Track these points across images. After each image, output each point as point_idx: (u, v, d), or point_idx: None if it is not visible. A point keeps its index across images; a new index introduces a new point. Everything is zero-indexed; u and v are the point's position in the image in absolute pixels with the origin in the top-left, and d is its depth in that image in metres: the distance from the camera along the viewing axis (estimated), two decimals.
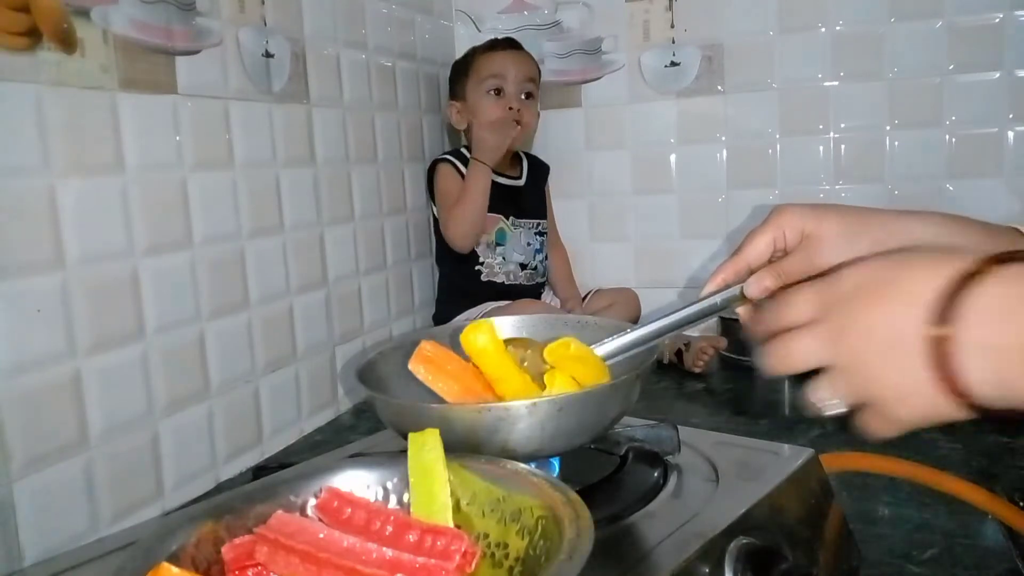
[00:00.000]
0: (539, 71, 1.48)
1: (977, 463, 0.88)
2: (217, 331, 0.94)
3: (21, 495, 0.70)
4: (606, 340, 0.68)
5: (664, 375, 1.29)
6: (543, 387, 0.66)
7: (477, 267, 1.44)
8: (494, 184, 1.40)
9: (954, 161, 1.40)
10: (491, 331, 0.65)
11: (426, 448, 0.52)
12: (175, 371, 0.88)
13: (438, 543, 0.46)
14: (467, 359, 0.67)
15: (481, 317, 1.21)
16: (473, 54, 1.44)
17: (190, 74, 0.90)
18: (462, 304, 1.42)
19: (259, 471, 0.87)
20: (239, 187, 0.99)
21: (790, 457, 0.78)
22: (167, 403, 0.87)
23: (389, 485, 0.54)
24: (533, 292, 1.47)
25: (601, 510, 0.58)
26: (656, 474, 0.71)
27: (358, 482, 0.54)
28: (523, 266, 1.46)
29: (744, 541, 0.56)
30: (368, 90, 1.28)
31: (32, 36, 0.71)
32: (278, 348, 1.06)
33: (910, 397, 0.39)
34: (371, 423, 1.12)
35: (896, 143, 1.43)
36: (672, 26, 1.51)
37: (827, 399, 0.44)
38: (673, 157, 1.55)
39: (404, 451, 0.53)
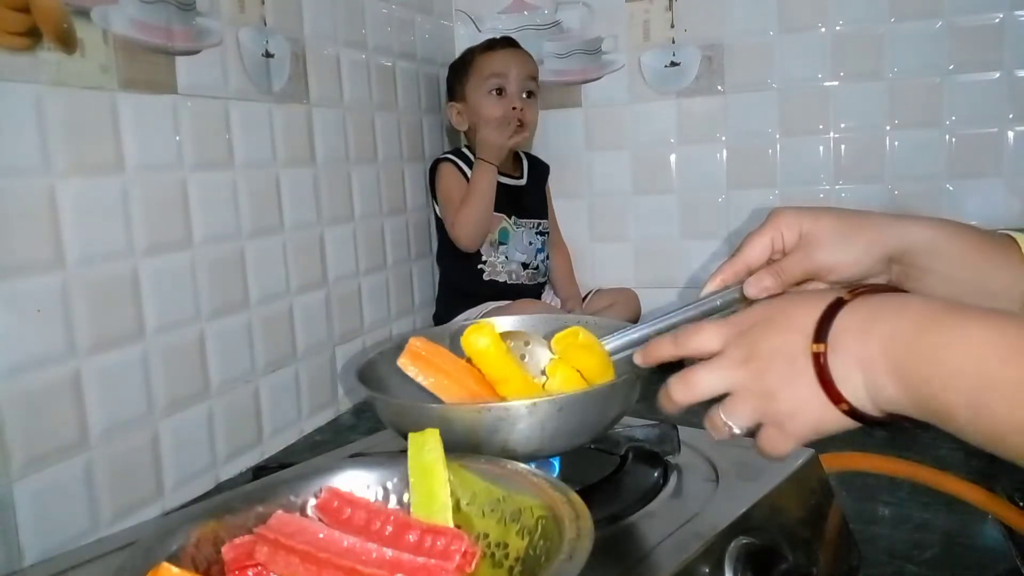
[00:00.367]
0: (537, 70, 1.48)
1: (977, 463, 0.88)
2: (217, 331, 0.94)
3: (21, 495, 0.70)
4: (607, 338, 0.68)
5: (664, 375, 1.29)
6: (544, 379, 0.66)
7: (480, 266, 1.44)
8: (496, 184, 1.40)
9: (954, 161, 1.40)
10: (492, 333, 0.65)
11: (426, 448, 0.52)
12: (175, 371, 0.88)
13: (438, 543, 0.46)
14: (462, 356, 0.67)
15: (481, 317, 1.21)
16: (472, 54, 1.43)
17: (190, 74, 0.90)
18: (462, 304, 1.42)
19: (259, 471, 0.87)
20: (239, 187, 0.99)
21: (790, 457, 0.78)
22: (167, 403, 0.87)
23: (389, 485, 0.54)
24: (534, 292, 1.47)
25: (601, 510, 0.58)
26: (656, 474, 0.71)
27: (358, 482, 0.54)
28: (525, 265, 1.46)
29: (744, 541, 0.56)
30: (368, 90, 1.28)
31: (32, 36, 0.71)
32: (278, 348, 1.06)
33: (804, 410, 0.45)
34: (371, 423, 1.12)
35: (896, 143, 1.43)
36: (672, 26, 1.51)
37: (730, 421, 0.50)
38: (673, 157, 1.55)
39: (404, 451, 0.53)
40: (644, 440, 0.75)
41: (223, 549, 0.47)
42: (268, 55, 1.04)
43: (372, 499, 0.53)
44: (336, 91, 1.20)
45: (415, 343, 0.67)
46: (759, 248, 0.60)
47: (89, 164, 0.78)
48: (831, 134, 1.46)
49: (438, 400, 0.66)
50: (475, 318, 1.27)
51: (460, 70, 1.45)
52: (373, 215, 1.29)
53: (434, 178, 1.44)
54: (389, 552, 0.46)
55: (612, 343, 0.68)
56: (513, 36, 1.53)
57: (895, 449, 0.90)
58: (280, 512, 0.49)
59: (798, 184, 1.48)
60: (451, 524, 0.49)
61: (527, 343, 0.71)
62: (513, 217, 1.46)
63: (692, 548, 0.53)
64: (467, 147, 1.47)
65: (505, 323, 0.82)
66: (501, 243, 1.45)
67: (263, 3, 1.03)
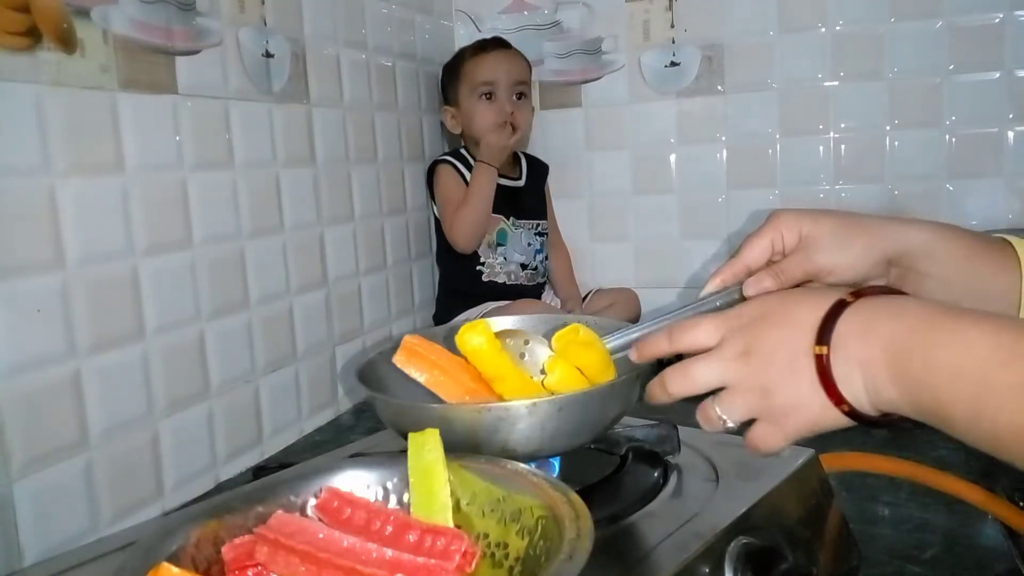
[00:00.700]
0: (530, 68, 1.47)
1: (977, 463, 0.88)
2: (217, 331, 0.94)
3: (21, 495, 0.70)
4: (607, 337, 0.68)
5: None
6: (543, 377, 0.66)
7: (479, 267, 1.44)
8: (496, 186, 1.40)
9: (954, 161, 1.40)
10: (486, 331, 0.65)
11: (426, 448, 0.52)
12: (175, 371, 0.88)
13: (438, 543, 0.46)
14: (458, 354, 0.67)
15: (481, 317, 1.21)
16: (462, 58, 1.43)
17: (190, 74, 0.90)
18: (462, 304, 1.42)
19: (259, 471, 0.87)
20: (239, 187, 0.99)
21: (790, 457, 0.78)
22: (167, 403, 0.87)
23: (389, 485, 0.54)
24: (534, 292, 1.47)
25: (601, 510, 0.58)
26: (656, 474, 0.71)
27: (358, 482, 0.54)
28: (524, 266, 1.46)
29: (744, 541, 0.56)
30: (368, 90, 1.28)
31: (32, 36, 0.71)
32: (278, 348, 1.06)
33: (802, 408, 0.46)
34: (371, 423, 1.12)
35: (896, 143, 1.43)
36: (672, 26, 1.51)
37: (724, 415, 0.50)
38: (673, 157, 1.55)
39: (404, 451, 0.53)
40: (644, 440, 0.75)
41: (223, 549, 0.47)
42: (268, 55, 1.04)
43: (372, 499, 0.53)
44: (336, 91, 1.20)
45: (410, 340, 0.67)
46: (759, 249, 0.60)
47: (89, 164, 0.78)
48: (831, 134, 1.46)
49: (438, 401, 0.66)
50: (475, 318, 1.27)
51: (451, 75, 1.45)
52: (373, 215, 1.29)
53: (432, 179, 1.44)
54: (389, 552, 0.45)
55: (613, 343, 0.68)
56: (513, 36, 1.54)
57: (895, 449, 0.90)
58: (280, 512, 0.49)
59: (798, 184, 1.48)
60: (451, 524, 0.49)
61: (527, 342, 0.71)
62: (511, 218, 1.46)
63: (692, 548, 0.53)
64: (465, 148, 1.47)
65: (505, 322, 0.82)
66: (499, 244, 1.45)
67: (263, 3, 1.03)
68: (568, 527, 0.43)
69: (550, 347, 0.68)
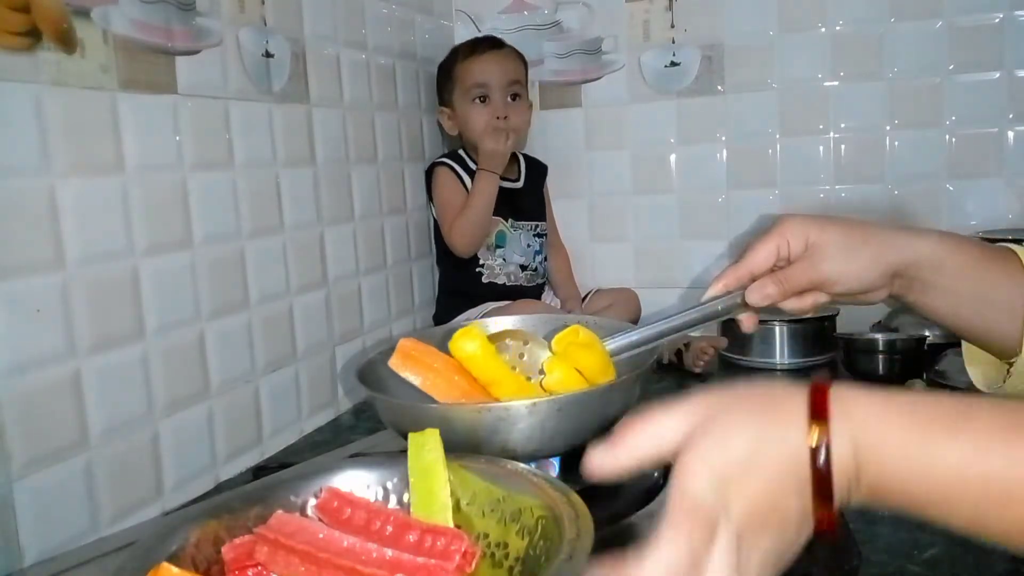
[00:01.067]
0: (525, 67, 1.47)
1: None
2: (217, 331, 0.94)
3: (21, 495, 0.70)
4: (609, 338, 0.68)
5: (664, 375, 1.29)
6: (541, 378, 0.66)
7: (478, 269, 1.44)
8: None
9: (954, 161, 1.40)
10: (479, 336, 0.66)
11: (426, 448, 0.52)
12: (175, 371, 0.88)
13: (438, 543, 0.46)
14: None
15: (481, 317, 1.21)
16: (455, 59, 1.43)
17: (190, 74, 0.90)
18: (462, 304, 1.42)
19: (259, 471, 0.88)
20: (239, 187, 0.99)
21: None
22: (167, 403, 0.87)
23: (389, 485, 0.54)
24: (534, 293, 1.47)
25: (601, 510, 0.58)
26: (656, 474, 0.71)
27: (358, 482, 0.54)
28: (523, 267, 1.46)
29: None
30: (368, 90, 1.28)
31: (32, 36, 0.71)
32: (278, 348, 1.06)
33: (785, 520, 0.38)
34: (371, 423, 1.12)
35: (896, 143, 1.43)
36: (672, 26, 1.51)
37: None
38: (673, 157, 1.55)
39: (404, 451, 0.53)
40: None
41: (223, 549, 0.47)
42: (268, 55, 1.04)
43: (372, 499, 0.53)
44: (336, 91, 1.20)
45: (406, 343, 0.67)
46: (764, 255, 0.60)
47: (89, 164, 0.78)
48: (831, 134, 1.46)
49: (436, 400, 0.66)
50: (475, 318, 1.27)
51: (445, 76, 1.45)
52: (373, 215, 1.29)
53: (430, 181, 1.44)
54: (389, 552, 0.45)
55: (612, 344, 0.68)
56: (513, 36, 1.54)
57: None
58: (280, 512, 0.49)
59: (798, 184, 1.48)
60: (451, 524, 0.49)
61: (526, 342, 0.71)
62: (510, 220, 1.46)
63: None
64: (464, 149, 1.47)
65: (505, 323, 0.82)
66: (498, 246, 1.45)
67: (263, 3, 1.03)
68: (568, 527, 0.43)
69: (549, 348, 0.68)
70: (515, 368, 0.69)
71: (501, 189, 1.42)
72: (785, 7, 1.44)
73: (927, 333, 1.21)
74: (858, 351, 1.21)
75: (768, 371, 1.29)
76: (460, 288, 1.45)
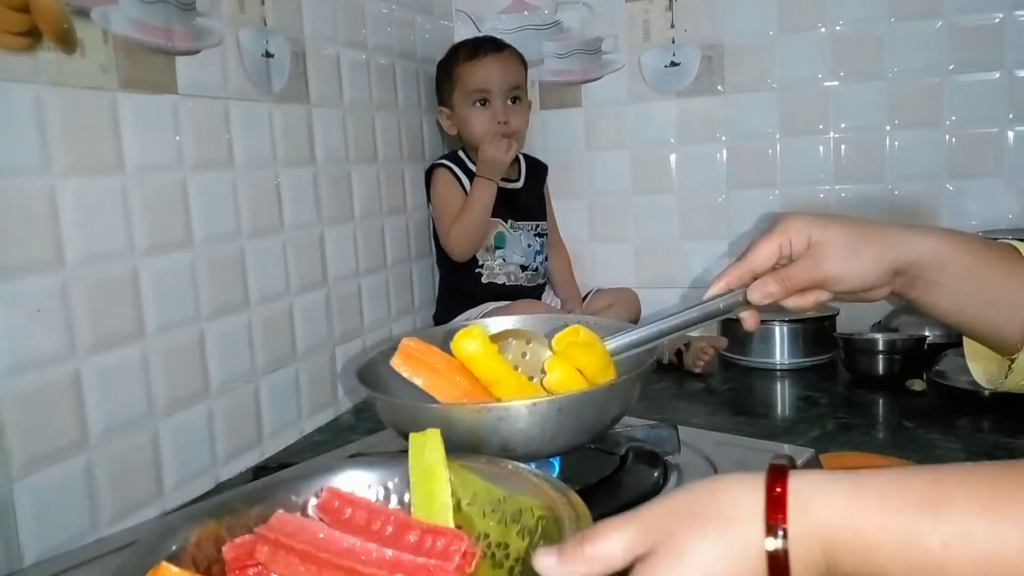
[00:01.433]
0: (525, 69, 1.47)
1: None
2: (217, 331, 0.94)
3: (21, 495, 0.70)
4: (610, 338, 0.68)
5: (664, 375, 1.29)
6: (543, 377, 0.66)
7: (477, 269, 1.44)
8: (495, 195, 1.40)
9: (954, 161, 1.40)
10: (481, 336, 0.66)
11: (427, 448, 0.52)
12: (175, 371, 0.88)
13: (438, 543, 0.46)
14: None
15: (481, 317, 1.21)
16: (456, 61, 1.42)
17: (190, 74, 0.90)
18: (462, 304, 1.42)
19: (259, 471, 0.88)
20: (239, 187, 0.99)
21: (792, 457, 0.78)
22: (167, 403, 0.87)
23: (390, 485, 0.54)
24: (534, 293, 1.47)
25: (601, 510, 0.58)
26: (656, 474, 0.71)
27: (359, 482, 0.54)
28: (523, 267, 1.46)
29: None
30: (368, 90, 1.28)
31: (32, 36, 0.71)
32: (278, 348, 1.06)
33: None
34: (371, 423, 1.12)
35: (896, 143, 1.43)
36: (672, 26, 1.51)
37: None
38: (673, 157, 1.55)
39: (405, 451, 0.53)
40: (644, 440, 0.75)
41: (224, 549, 0.47)
42: (268, 55, 1.04)
43: (373, 499, 0.53)
44: (336, 91, 1.20)
45: (407, 343, 0.67)
46: (766, 253, 0.60)
47: (89, 164, 0.78)
48: (831, 134, 1.46)
49: (438, 401, 0.66)
50: (475, 318, 1.27)
51: (445, 76, 1.44)
52: (373, 215, 1.29)
53: (430, 182, 1.44)
54: (389, 552, 0.45)
55: (613, 343, 0.68)
56: (513, 36, 1.54)
57: (894, 449, 0.90)
58: (281, 512, 0.49)
59: (798, 184, 1.48)
60: (452, 524, 0.49)
61: (528, 341, 0.71)
62: (510, 221, 1.46)
63: None
64: (463, 150, 1.47)
65: (506, 323, 0.82)
66: (497, 247, 1.45)
67: (263, 3, 1.03)
68: (568, 527, 0.43)
69: (551, 348, 0.68)
70: (517, 368, 0.69)
71: (501, 189, 1.42)
72: (785, 7, 1.44)
73: (927, 333, 1.21)
74: (858, 351, 1.21)
75: (768, 371, 1.29)
76: (460, 288, 1.45)
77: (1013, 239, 0.60)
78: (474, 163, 1.43)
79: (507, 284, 1.45)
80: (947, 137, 1.40)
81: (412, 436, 0.53)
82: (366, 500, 0.52)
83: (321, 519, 0.51)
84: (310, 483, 0.53)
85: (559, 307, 1.48)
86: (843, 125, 1.45)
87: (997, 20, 1.35)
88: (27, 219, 0.72)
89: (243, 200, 0.99)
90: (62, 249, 0.75)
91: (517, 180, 1.50)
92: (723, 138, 1.51)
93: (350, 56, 1.23)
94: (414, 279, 1.44)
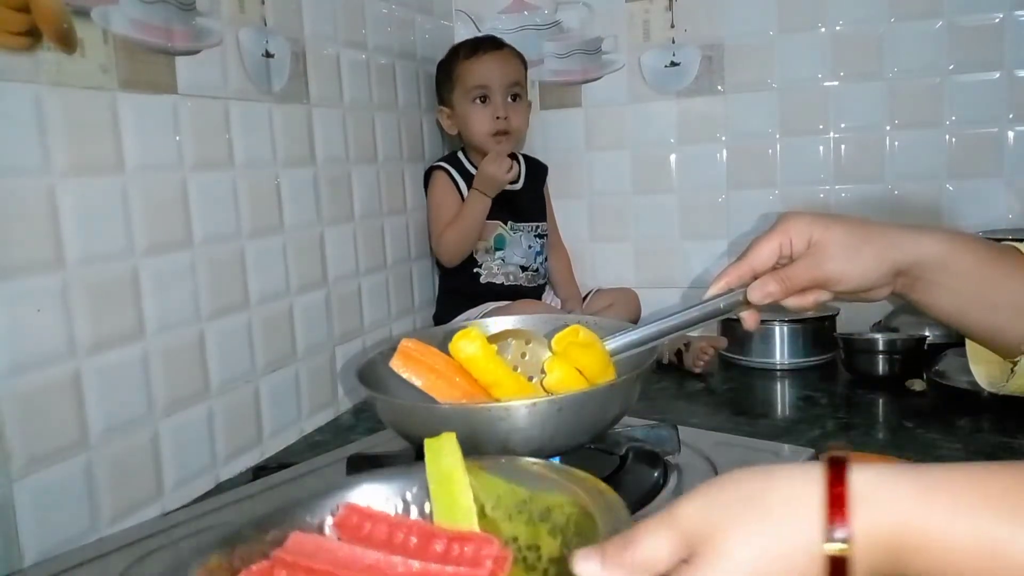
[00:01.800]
0: (525, 67, 1.47)
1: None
2: (217, 331, 0.94)
3: (21, 495, 0.70)
4: (610, 337, 0.68)
5: (664, 375, 1.29)
6: (542, 377, 0.66)
7: (476, 270, 1.44)
8: (488, 211, 1.40)
9: (954, 161, 1.40)
10: (479, 338, 0.65)
11: (443, 453, 0.49)
12: (175, 371, 0.88)
13: (467, 550, 0.43)
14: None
15: (481, 317, 1.21)
16: (456, 59, 1.42)
17: (190, 74, 0.90)
18: (462, 304, 1.42)
19: (259, 471, 0.88)
20: (239, 187, 0.99)
21: (790, 457, 0.78)
22: (167, 403, 0.87)
23: (408, 496, 0.51)
24: (534, 293, 1.47)
25: None
26: (656, 474, 0.71)
27: (376, 496, 0.51)
28: (524, 268, 1.46)
29: None
30: (368, 90, 1.28)
31: (32, 36, 0.71)
32: (278, 348, 1.06)
33: None
34: (371, 423, 1.12)
35: (896, 143, 1.43)
36: (672, 26, 1.51)
37: None
38: (673, 157, 1.55)
39: (420, 459, 0.50)
40: (644, 440, 0.75)
41: None
42: (268, 55, 1.04)
43: (392, 512, 0.50)
44: (336, 91, 1.20)
45: (407, 344, 0.67)
46: (767, 252, 0.60)
47: (89, 164, 0.78)
48: (831, 134, 1.46)
49: (437, 401, 0.66)
50: (475, 318, 1.27)
51: (445, 75, 1.44)
52: (373, 215, 1.29)
53: (427, 184, 1.44)
54: (416, 564, 0.43)
55: (613, 343, 0.68)
56: (513, 36, 1.54)
57: (895, 449, 0.90)
58: (297, 533, 0.46)
59: (798, 184, 1.48)
60: (477, 529, 0.46)
61: (528, 342, 0.71)
62: (509, 222, 1.46)
63: None
64: (463, 150, 1.47)
65: (505, 323, 0.82)
66: (497, 249, 1.45)
67: (263, 3, 1.03)
68: (603, 520, 0.41)
69: (550, 348, 0.68)
70: (517, 368, 0.69)
71: (501, 191, 1.42)
72: (785, 7, 1.44)
73: (927, 333, 1.21)
74: (858, 351, 1.21)
75: (768, 371, 1.29)
76: (459, 288, 1.45)
77: (1015, 240, 0.60)
78: (473, 164, 1.43)
79: (506, 284, 1.45)
80: (947, 137, 1.40)
81: (427, 442, 0.50)
82: (385, 514, 0.49)
83: (340, 538, 0.48)
84: (324, 501, 0.50)
85: (559, 307, 1.48)
86: (843, 125, 1.45)
87: (997, 20, 1.35)
88: (27, 219, 0.72)
89: (243, 200, 0.99)
90: (62, 249, 0.75)
91: (517, 181, 1.50)
92: (723, 138, 1.51)
93: (350, 56, 1.23)
94: (414, 279, 1.44)
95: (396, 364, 0.67)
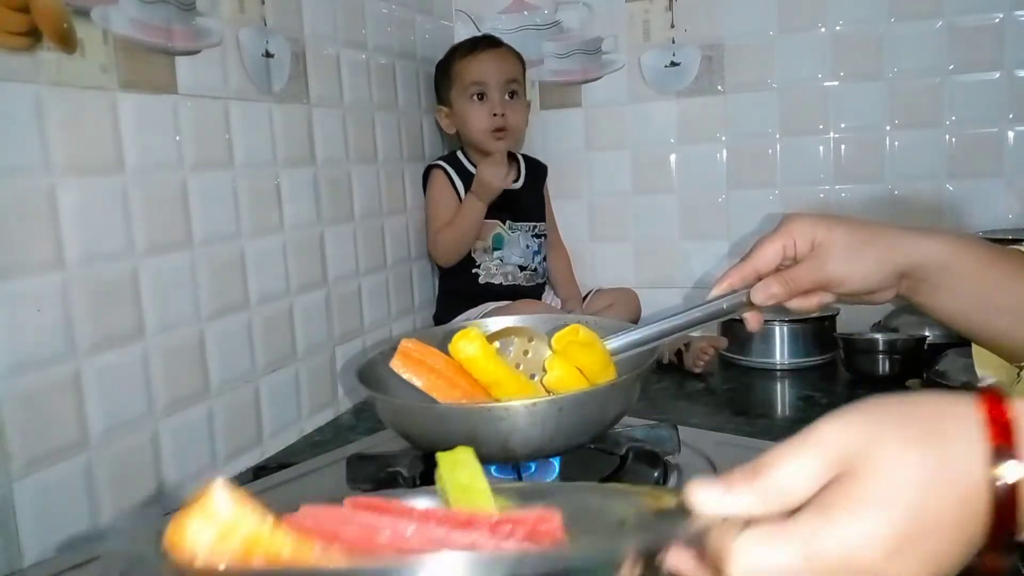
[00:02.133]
0: (523, 65, 1.47)
1: None
2: (217, 331, 0.94)
3: (21, 495, 0.70)
4: (612, 336, 0.68)
5: (664, 375, 1.29)
6: (543, 375, 0.66)
7: (474, 270, 1.44)
8: (484, 217, 1.40)
9: (954, 161, 1.40)
10: (478, 338, 0.65)
11: (459, 466, 0.45)
12: (175, 371, 0.88)
13: (522, 528, 0.36)
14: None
15: (481, 317, 1.21)
16: (453, 58, 1.43)
17: (190, 74, 0.90)
18: (462, 304, 1.42)
19: (259, 471, 0.88)
20: (239, 187, 0.99)
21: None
22: (167, 403, 0.87)
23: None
24: (533, 293, 1.47)
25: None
26: (656, 474, 0.71)
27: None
28: (522, 268, 1.46)
29: None
30: (368, 90, 1.28)
31: (32, 36, 0.71)
32: (278, 348, 1.06)
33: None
34: (371, 423, 1.12)
35: (896, 143, 1.43)
36: (672, 26, 1.51)
37: None
38: (673, 157, 1.55)
39: (425, 484, 0.48)
40: (644, 440, 0.75)
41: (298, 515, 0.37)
42: (268, 55, 1.04)
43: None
44: (336, 91, 1.20)
45: (407, 345, 0.67)
46: (770, 254, 0.60)
47: (89, 164, 0.78)
48: (831, 134, 1.46)
49: (437, 401, 0.66)
50: (475, 318, 1.27)
51: (443, 75, 1.45)
52: (373, 215, 1.29)
53: (426, 183, 1.44)
54: (469, 533, 0.36)
55: (616, 343, 0.68)
56: (513, 36, 1.54)
57: None
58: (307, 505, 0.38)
59: (798, 184, 1.48)
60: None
61: (531, 339, 0.71)
62: (508, 222, 1.46)
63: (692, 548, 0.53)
64: (462, 150, 1.47)
65: (506, 323, 0.82)
66: (496, 248, 1.45)
67: (263, 3, 1.03)
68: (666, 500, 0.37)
69: (551, 347, 0.68)
70: (519, 365, 0.69)
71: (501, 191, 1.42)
72: (785, 7, 1.44)
73: (927, 333, 1.21)
74: (858, 351, 1.21)
75: (768, 371, 1.29)
76: (459, 288, 1.45)
77: (1016, 241, 0.60)
78: (472, 164, 1.43)
79: (504, 284, 1.45)
80: (947, 137, 1.40)
81: (440, 457, 0.45)
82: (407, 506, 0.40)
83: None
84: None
85: (559, 307, 1.48)
86: (843, 125, 1.45)
87: (997, 20, 1.35)
88: (27, 219, 0.72)
89: (243, 200, 0.99)
90: (62, 249, 0.75)
91: (516, 181, 1.50)
92: (723, 138, 1.51)
93: (350, 56, 1.23)
94: (414, 279, 1.44)
95: (396, 364, 0.67)
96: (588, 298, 1.50)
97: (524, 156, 1.54)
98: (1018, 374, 0.59)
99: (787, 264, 0.60)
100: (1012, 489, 0.30)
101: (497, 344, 0.69)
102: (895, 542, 0.30)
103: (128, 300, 0.82)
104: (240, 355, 0.99)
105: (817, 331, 1.29)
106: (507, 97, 1.42)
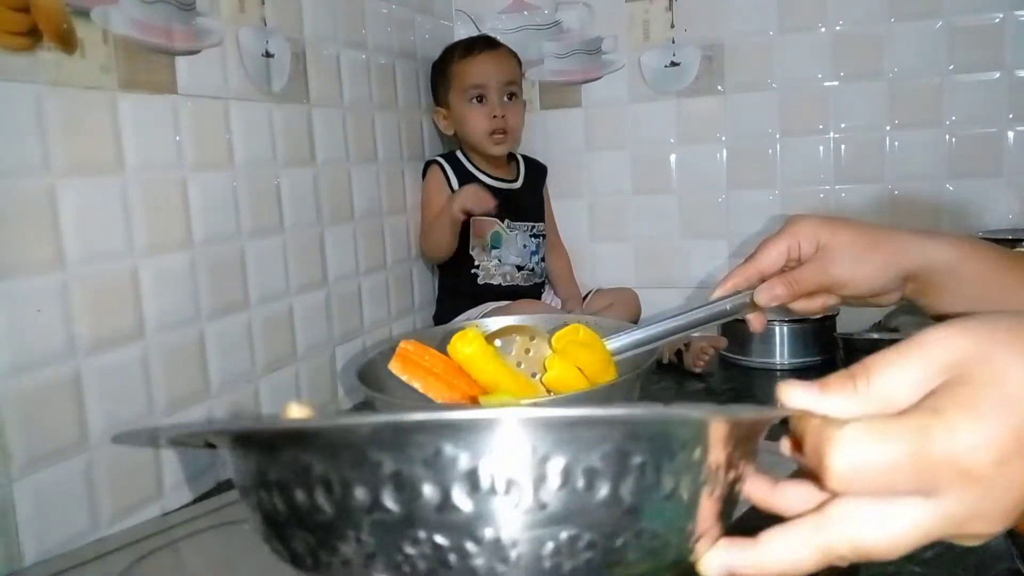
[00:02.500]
0: (520, 65, 1.47)
1: None
2: (217, 331, 0.94)
3: (21, 495, 0.70)
4: (614, 336, 0.68)
5: (664, 375, 1.29)
6: (543, 373, 0.66)
7: (474, 270, 1.44)
8: (490, 187, 1.40)
9: (954, 161, 1.40)
10: (477, 339, 0.66)
11: (466, 340, 0.45)
12: (175, 371, 0.88)
13: None
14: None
15: (481, 317, 1.21)
16: (451, 59, 1.42)
17: (190, 74, 0.90)
18: (462, 305, 1.42)
19: None
20: (239, 187, 0.99)
21: (790, 457, 0.78)
22: (167, 403, 0.87)
23: None
24: (531, 293, 1.47)
25: None
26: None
27: None
28: (519, 268, 1.46)
29: None
30: (368, 90, 1.28)
31: (32, 36, 0.71)
32: (278, 348, 1.06)
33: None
34: None
35: (896, 143, 1.43)
36: (672, 26, 1.51)
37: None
38: (673, 157, 1.55)
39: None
40: None
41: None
42: (268, 55, 1.04)
43: None
44: (336, 91, 1.20)
45: (405, 346, 0.67)
46: (774, 255, 0.60)
47: (89, 164, 0.78)
48: (831, 134, 1.46)
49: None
50: (475, 318, 1.27)
51: (440, 76, 1.44)
52: (373, 215, 1.29)
53: (424, 177, 1.45)
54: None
55: (618, 342, 0.68)
56: (513, 36, 1.54)
57: None
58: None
59: (798, 184, 1.48)
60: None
61: (532, 338, 0.71)
62: (506, 221, 1.46)
63: None
64: (462, 150, 1.47)
65: (506, 323, 0.82)
66: (494, 247, 1.45)
67: (263, 3, 1.03)
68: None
69: (551, 346, 0.68)
70: (520, 364, 0.69)
71: (498, 190, 1.42)
72: (785, 7, 1.44)
73: None
74: (858, 351, 1.21)
75: (768, 371, 1.29)
76: (458, 289, 1.45)
77: (1012, 239, 0.60)
78: (471, 164, 1.43)
79: (503, 284, 1.45)
80: (947, 137, 1.40)
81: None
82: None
83: None
84: None
85: (559, 307, 1.48)
86: (843, 125, 1.45)
87: (997, 20, 1.35)
88: (27, 219, 0.72)
89: (243, 200, 0.99)
90: (62, 249, 0.75)
91: (516, 180, 1.50)
92: (723, 138, 1.51)
93: (350, 56, 1.23)
94: (414, 279, 1.44)
95: (394, 367, 0.67)
96: (588, 298, 1.50)
97: (524, 156, 1.54)
98: None
99: (791, 266, 0.60)
100: None
101: (499, 342, 0.69)
102: (1009, 450, 0.29)
103: (128, 300, 0.82)
104: (240, 355, 0.99)
105: (817, 331, 1.29)
106: (506, 99, 1.42)
